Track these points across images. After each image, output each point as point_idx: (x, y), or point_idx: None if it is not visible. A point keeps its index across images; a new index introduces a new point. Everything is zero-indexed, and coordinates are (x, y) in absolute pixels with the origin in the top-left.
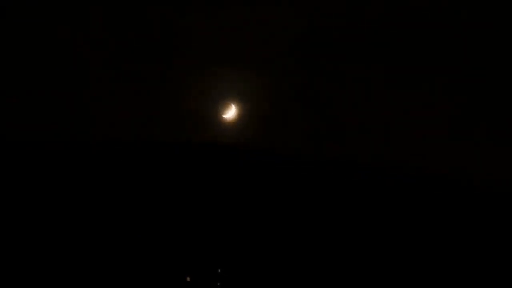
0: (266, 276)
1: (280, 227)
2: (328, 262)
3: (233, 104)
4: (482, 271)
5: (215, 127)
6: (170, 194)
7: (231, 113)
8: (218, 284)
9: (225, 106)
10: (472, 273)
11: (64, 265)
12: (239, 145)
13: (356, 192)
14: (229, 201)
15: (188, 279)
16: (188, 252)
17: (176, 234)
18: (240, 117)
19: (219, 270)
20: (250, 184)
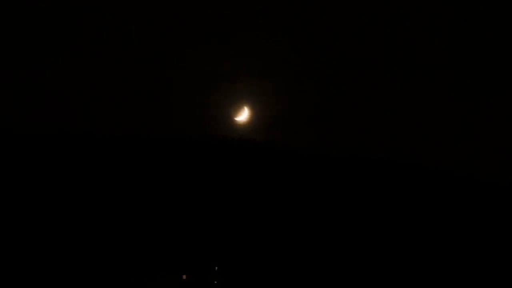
0: (266, 271)
1: (284, 222)
2: (332, 259)
3: (246, 107)
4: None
5: (228, 128)
6: (169, 190)
7: (244, 115)
8: (215, 282)
9: (238, 109)
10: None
11: (54, 259)
12: (249, 141)
13: (358, 185)
14: (230, 198)
15: (184, 277)
16: (186, 249)
17: (176, 230)
18: (253, 119)
19: (216, 268)
20: (256, 179)
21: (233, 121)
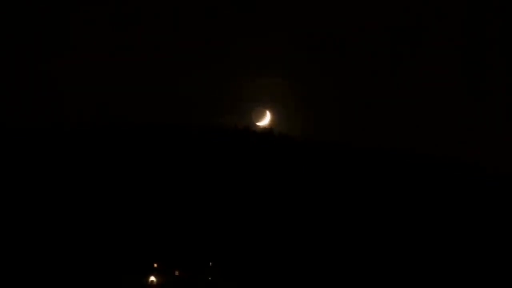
0: (262, 267)
1: (280, 220)
2: (327, 257)
3: (268, 111)
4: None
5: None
6: (165, 187)
7: (265, 119)
8: (210, 278)
9: (259, 113)
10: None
11: (49, 250)
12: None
13: (366, 176)
14: (226, 194)
15: (177, 273)
16: (181, 244)
17: (170, 225)
18: (274, 123)
19: (210, 264)
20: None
21: (255, 125)
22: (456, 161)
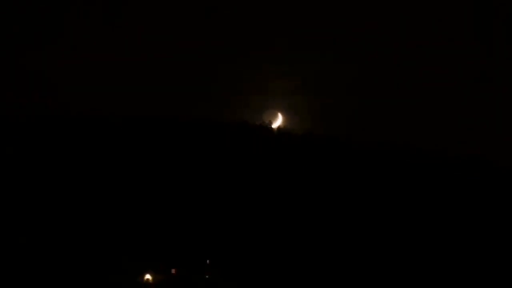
0: (259, 266)
1: (277, 220)
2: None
3: (280, 113)
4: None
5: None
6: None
7: (278, 121)
8: (207, 276)
9: (272, 115)
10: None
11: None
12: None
13: (368, 169)
14: (224, 193)
15: (173, 271)
16: (178, 242)
17: (168, 223)
18: (285, 125)
19: (208, 261)
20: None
21: (269, 127)
22: (459, 157)
